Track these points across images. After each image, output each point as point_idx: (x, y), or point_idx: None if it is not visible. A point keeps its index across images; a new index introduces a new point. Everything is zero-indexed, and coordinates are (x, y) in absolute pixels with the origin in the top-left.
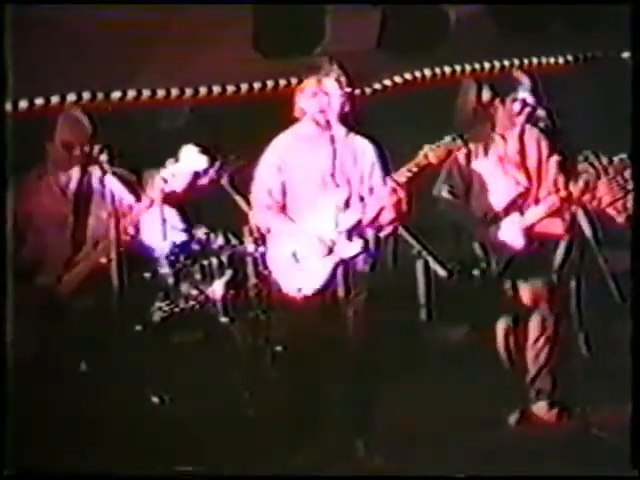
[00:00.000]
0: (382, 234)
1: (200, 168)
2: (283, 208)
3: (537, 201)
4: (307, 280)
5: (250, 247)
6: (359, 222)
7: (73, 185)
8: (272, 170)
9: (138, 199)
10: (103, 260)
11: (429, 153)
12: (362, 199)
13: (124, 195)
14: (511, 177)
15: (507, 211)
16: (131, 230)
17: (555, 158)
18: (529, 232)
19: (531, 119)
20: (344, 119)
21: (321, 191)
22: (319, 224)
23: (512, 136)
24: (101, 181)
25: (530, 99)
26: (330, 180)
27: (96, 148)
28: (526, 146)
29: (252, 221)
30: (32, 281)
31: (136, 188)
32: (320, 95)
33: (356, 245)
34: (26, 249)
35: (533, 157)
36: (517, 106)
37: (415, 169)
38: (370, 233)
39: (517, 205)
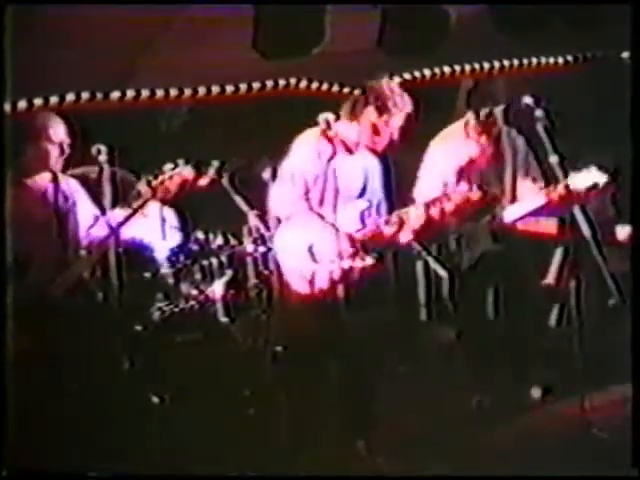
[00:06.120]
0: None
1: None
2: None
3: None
4: (320, 274)
5: (250, 247)
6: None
7: (51, 188)
8: (315, 163)
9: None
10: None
11: None
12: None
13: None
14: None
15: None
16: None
17: (554, 159)
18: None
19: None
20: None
21: (350, 200)
22: (342, 225)
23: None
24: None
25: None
26: (361, 193)
27: (94, 148)
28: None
29: (272, 209)
30: (26, 281)
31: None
32: (382, 130)
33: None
34: (19, 249)
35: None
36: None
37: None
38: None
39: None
